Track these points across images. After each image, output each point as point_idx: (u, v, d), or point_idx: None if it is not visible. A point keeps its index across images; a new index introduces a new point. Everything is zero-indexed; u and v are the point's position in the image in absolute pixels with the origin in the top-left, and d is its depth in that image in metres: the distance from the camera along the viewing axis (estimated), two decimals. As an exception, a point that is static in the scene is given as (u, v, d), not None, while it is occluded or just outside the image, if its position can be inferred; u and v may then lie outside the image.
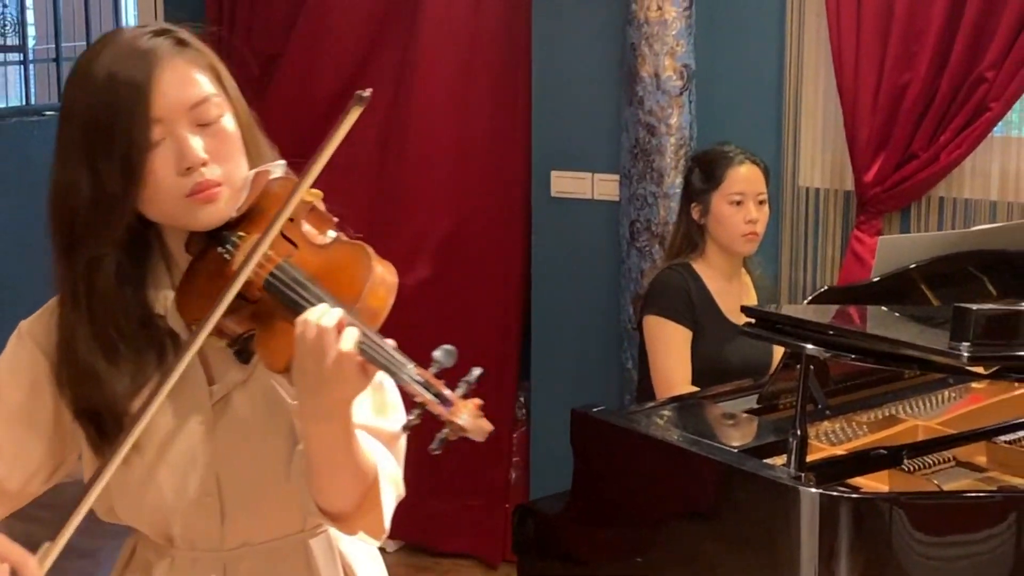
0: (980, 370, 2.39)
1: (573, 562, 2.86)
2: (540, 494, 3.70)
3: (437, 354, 1.39)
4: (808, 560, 2.29)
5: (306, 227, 1.57)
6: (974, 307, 2.26)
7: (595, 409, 2.78)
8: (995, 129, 3.69)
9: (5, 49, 8.06)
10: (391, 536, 5.22)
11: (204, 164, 1.56)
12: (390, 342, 1.42)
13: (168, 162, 1.55)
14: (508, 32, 4.30)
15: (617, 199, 4.10)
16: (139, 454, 1.62)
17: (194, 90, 1.57)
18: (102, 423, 1.61)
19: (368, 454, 1.58)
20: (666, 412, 2.86)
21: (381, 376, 1.58)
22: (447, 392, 1.35)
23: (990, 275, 3.07)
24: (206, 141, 1.57)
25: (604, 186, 4.19)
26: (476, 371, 1.38)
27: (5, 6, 8.08)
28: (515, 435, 4.45)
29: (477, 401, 1.36)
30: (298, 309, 1.47)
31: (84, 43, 7.20)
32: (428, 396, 1.34)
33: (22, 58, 8.18)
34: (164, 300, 1.64)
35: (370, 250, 1.53)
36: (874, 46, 3.72)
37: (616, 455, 2.73)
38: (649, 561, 2.58)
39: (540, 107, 4.28)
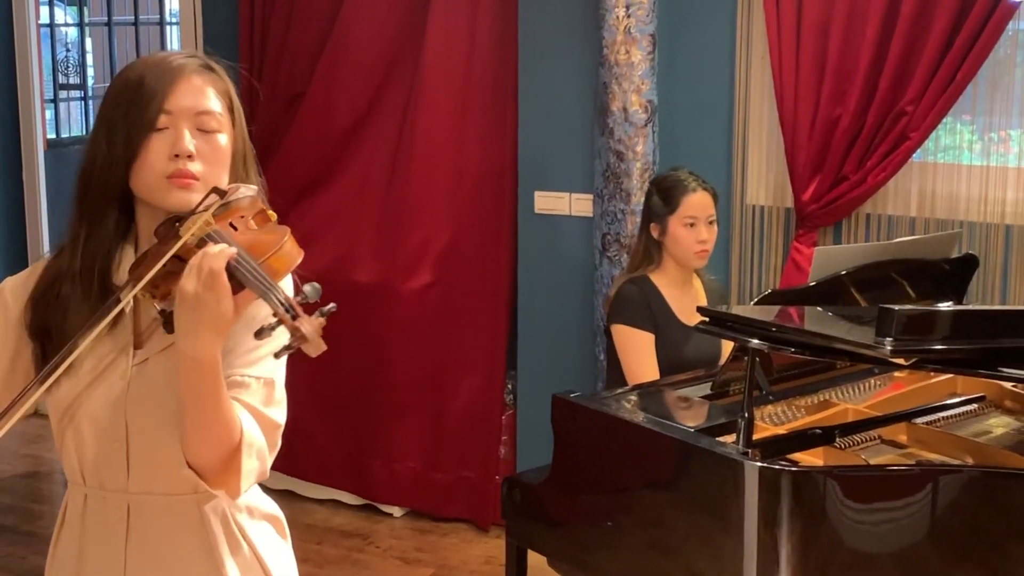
0: (901, 361, 2.38)
1: (553, 525, 2.85)
2: (525, 467, 3.68)
3: (307, 289, 1.47)
4: (753, 524, 2.28)
5: (251, 222, 1.61)
6: (896, 307, 2.25)
7: (572, 395, 2.76)
8: (914, 155, 3.69)
9: (68, 87, 8.04)
10: (398, 503, 5.21)
11: (190, 157, 1.62)
12: (284, 285, 1.48)
13: (163, 146, 1.63)
14: (498, 73, 4.28)
15: (591, 215, 4.09)
16: (70, 379, 1.64)
17: (204, 101, 1.66)
18: (49, 344, 1.64)
19: (237, 420, 1.58)
20: (633, 397, 2.84)
21: (269, 373, 1.65)
22: (299, 310, 1.43)
23: (910, 280, 3.07)
24: (199, 143, 1.64)
25: (580, 204, 4.18)
26: (331, 306, 1.44)
27: (68, 50, 8.06)
28: (504, 417, 4.42)
29: (322, 322, 1.43)
30: None
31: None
32: (282, 311, 1.43)
33: (83, 95, 8.16)
34: (123, 274, 1.66)
35: (289, 233, 1.57)
36: (810, 84, 3.71)
37: (590, 434, 2.71)
38: (617, 524, 2.57)
39: (525, 136, 4.27)
